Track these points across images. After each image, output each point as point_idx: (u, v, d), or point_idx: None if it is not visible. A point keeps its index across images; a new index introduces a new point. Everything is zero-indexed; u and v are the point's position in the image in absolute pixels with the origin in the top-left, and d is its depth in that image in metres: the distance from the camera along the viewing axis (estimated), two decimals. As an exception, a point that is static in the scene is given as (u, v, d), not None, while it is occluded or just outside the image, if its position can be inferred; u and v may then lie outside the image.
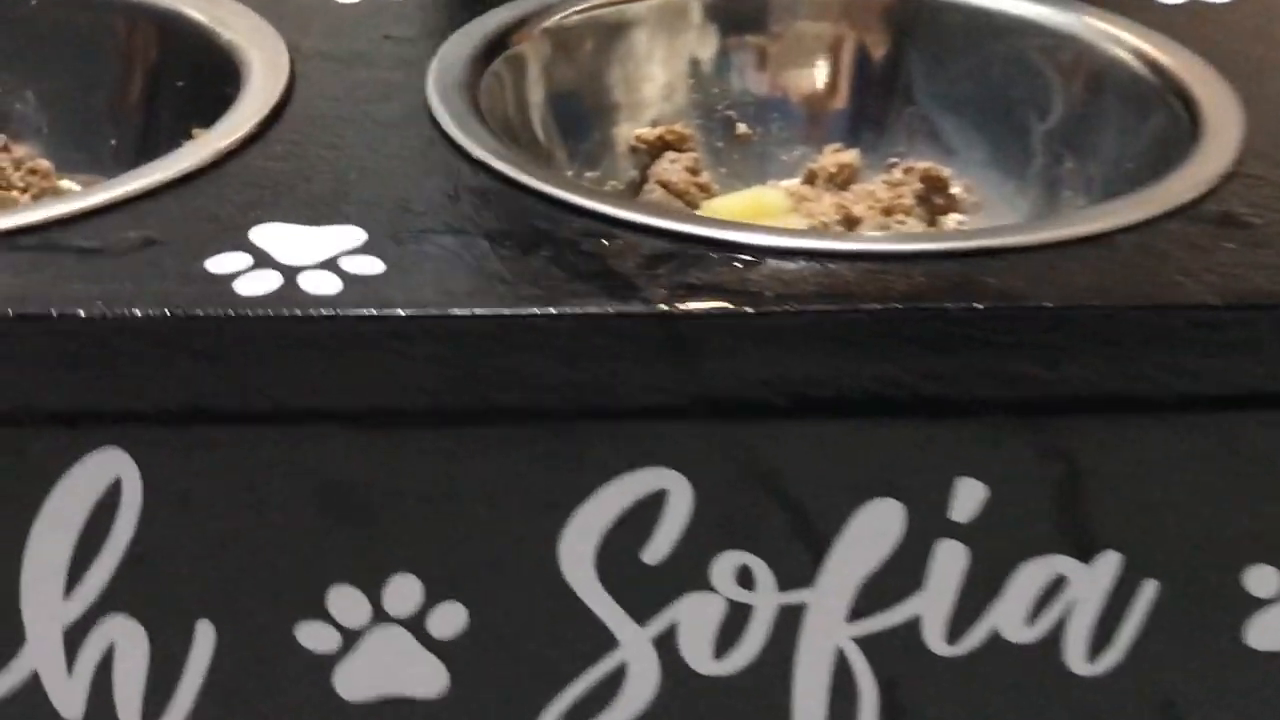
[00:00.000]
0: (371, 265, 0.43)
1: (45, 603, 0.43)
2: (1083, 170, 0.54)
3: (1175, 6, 0.59)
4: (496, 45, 0.55)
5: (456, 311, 0.42)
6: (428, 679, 0.45)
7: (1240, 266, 0.43)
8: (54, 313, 0.41)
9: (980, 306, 0.42)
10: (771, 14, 0.60)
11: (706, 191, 0.57)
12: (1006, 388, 0.43)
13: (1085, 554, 0.45)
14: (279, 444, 0.43)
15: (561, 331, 0.42)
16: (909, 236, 0.51)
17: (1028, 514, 0.44)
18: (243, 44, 0.55)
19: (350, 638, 0.44)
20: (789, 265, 0.43)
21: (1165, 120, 0.52)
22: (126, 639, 0.44)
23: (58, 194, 0.57)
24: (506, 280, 0.43)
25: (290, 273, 0.43)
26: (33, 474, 0.42)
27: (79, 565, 0.43)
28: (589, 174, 0.57)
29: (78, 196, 0.46)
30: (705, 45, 0.59)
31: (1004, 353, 0.42)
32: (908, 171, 0.56)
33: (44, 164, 0.58)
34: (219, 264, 0.43)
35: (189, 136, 0.52)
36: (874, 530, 0.44)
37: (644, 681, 0.45)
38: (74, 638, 0.44)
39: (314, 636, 0.44)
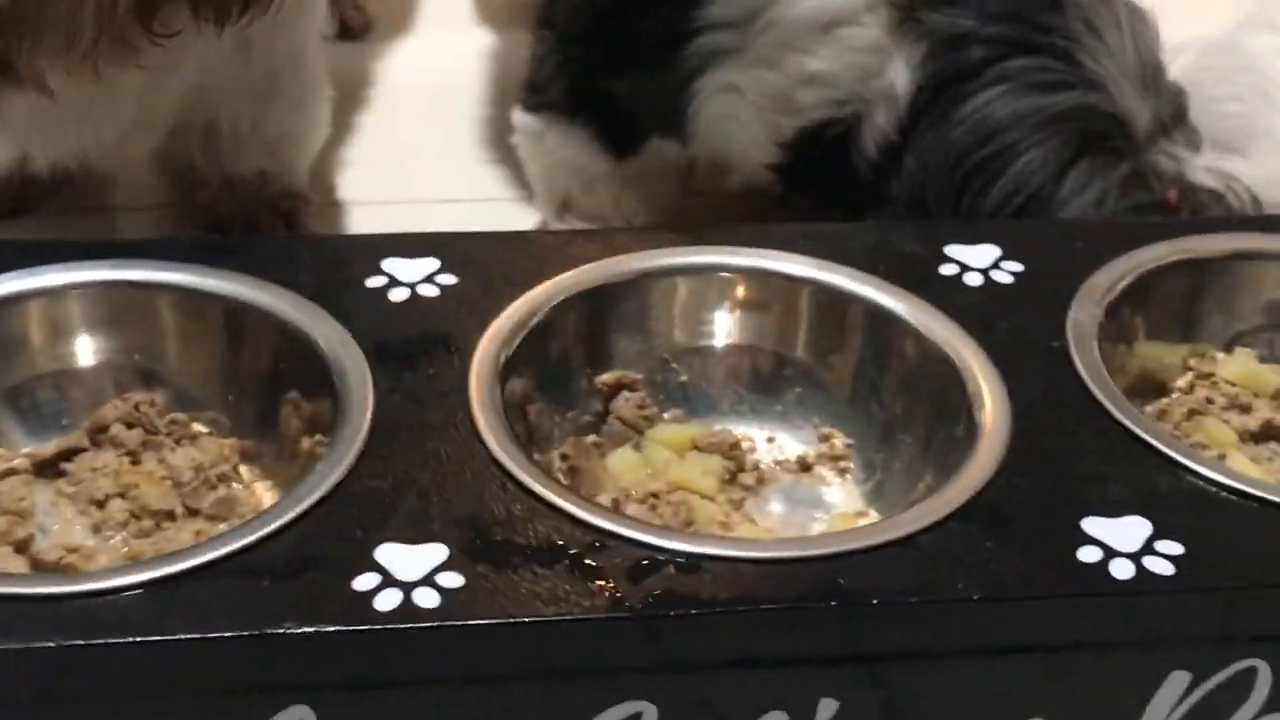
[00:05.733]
0: (456, 580, 0.67)
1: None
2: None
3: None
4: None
5: (527, 619, 0.66)
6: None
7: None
8: (270, 632, 0.65)
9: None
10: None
11: (650, 422, 0.82)
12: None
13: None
14: (416, 701, 0.67)
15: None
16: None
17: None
18: (332, 347, 0.78)
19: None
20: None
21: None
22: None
23: (193, 437, 0.80)
24: (545, 600, 0.67)
25: (406, 589, 0.66)
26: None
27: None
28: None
29: (250, 526, 0.69)
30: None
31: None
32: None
33: (183, 416, 0.81)
34: (361, 583, 0.67)
35: (306, 433, 0.76)
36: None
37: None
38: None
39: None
